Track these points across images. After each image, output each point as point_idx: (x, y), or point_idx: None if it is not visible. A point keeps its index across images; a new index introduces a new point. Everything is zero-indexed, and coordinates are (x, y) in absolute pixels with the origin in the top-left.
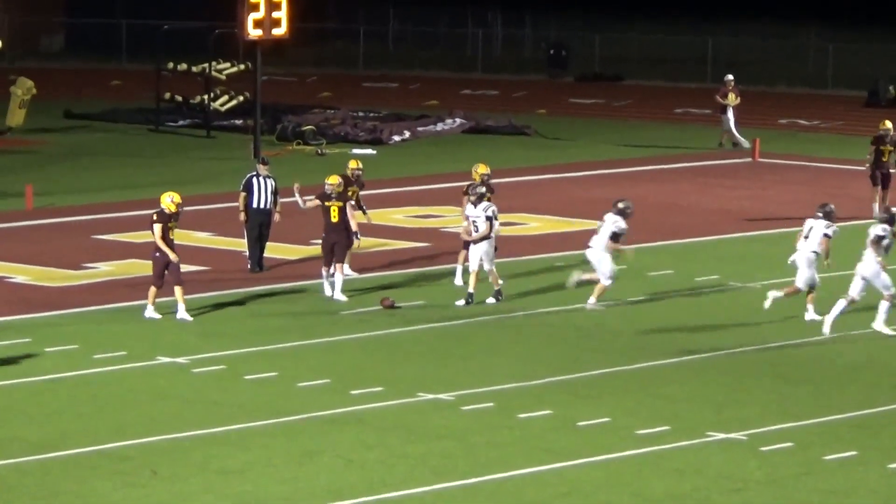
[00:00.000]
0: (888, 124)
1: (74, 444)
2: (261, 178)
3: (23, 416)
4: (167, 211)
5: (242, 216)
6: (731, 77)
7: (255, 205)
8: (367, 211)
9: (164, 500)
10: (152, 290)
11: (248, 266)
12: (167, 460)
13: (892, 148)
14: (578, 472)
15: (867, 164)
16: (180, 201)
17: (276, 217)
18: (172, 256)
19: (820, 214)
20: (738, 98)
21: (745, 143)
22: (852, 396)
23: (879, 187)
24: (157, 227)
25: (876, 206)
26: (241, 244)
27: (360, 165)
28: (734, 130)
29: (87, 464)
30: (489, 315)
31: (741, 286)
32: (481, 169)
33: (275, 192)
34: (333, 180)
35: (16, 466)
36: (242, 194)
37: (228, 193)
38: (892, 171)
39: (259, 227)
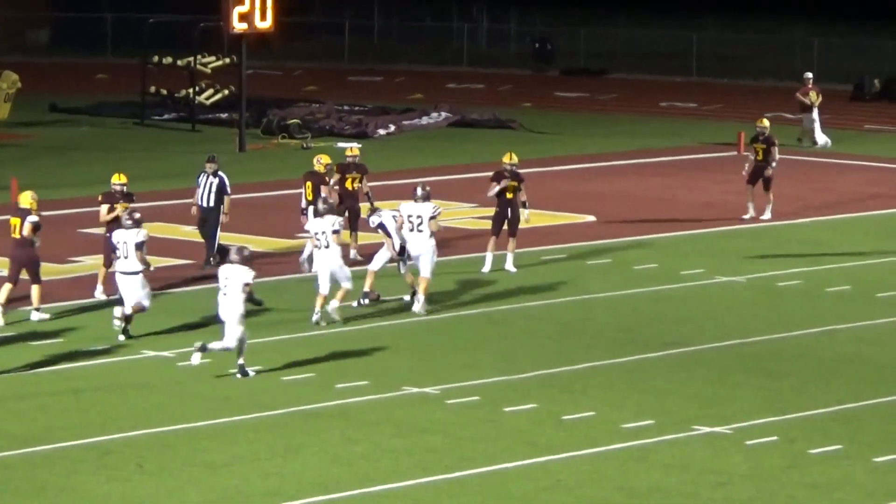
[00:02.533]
0: (765, 122)
1: (60, 437)
2: (207, 176)
3: (7, 410)
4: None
5: (194, 210)
6: (810, 75)
7: (198, 202)
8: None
9: (150, 493)
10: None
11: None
12: (153, 454)
13: (765, 146)
14: (563, 465)
15: (747, 165)
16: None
17: (223, 218)
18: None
19: None
20: (820, 96)
21: (827, 143)
22: (837, 390)
23: (752, 186)
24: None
25: (751, 206)
26: (227, 238)
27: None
28: (818, 130)
29: (73, 458)
30: (474, 309)
31: (727, 280)
32: (507, 158)
33: (221, 191)
34: (326, 159)
35: (1, 461)
36: (197, 190)
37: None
38: (768, 171)
39: (202, 223)
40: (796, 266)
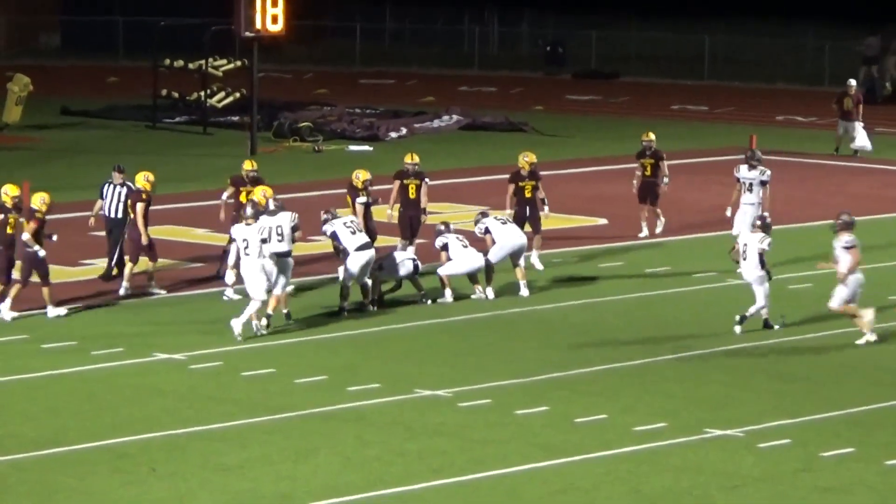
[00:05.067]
0: (651, 136)
1: (72, 440)
2: (114, 186)
3: (21, 413)
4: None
5: (92, 221)
6: (853, 82)
7: (104, 212)
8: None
9: (163, 496)
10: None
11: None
12: (165, 457)
13: (652, 161)
14: (576, 468)
15: (635, 181)
16: (17, 193)
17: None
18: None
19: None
20: (853, 103)
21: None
22: (850, 393)
23: (648, 203)
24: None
25: (644, 226)
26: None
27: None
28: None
29: (86, 460)
30: (486, 312)
31: (739, 283)
32: (529, 157)
33: (127, 201)
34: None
35: (14, 463)
36: (98, 201)
37: (224, 190)
38: (659, 185)
39: (108, 234)
40: (808, 269)
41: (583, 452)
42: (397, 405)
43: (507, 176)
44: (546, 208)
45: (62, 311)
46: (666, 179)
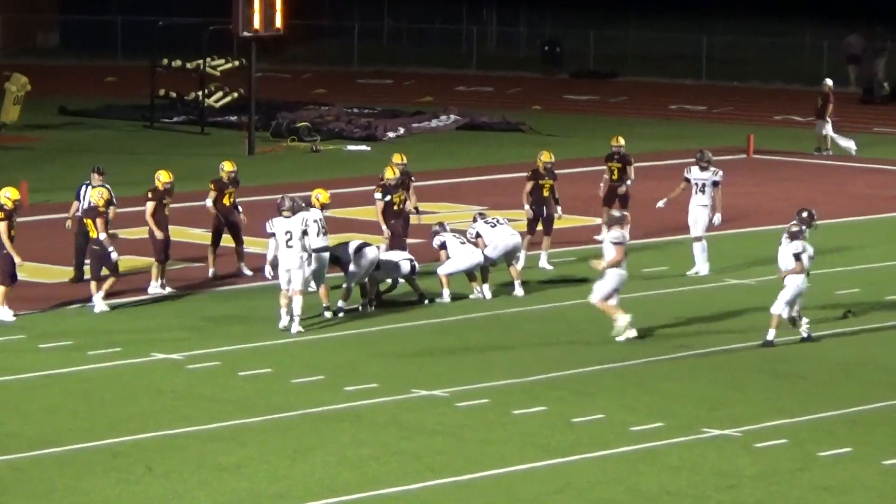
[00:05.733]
0: (621, 140)
1: (69, 440)
2: (91, 188)
3: (18, 412)
4: (6, 207)
5: (69, 223)
6: (829, 81)
7: (79, 214)
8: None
9: (159, 496)
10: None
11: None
12: (162, 457)
13: (620, 165)
14: (573, 468)
15: (602, 185)
16: (18, 197)
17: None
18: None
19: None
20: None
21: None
22: (847, 393)
23: (607, 207)
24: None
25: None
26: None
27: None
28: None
29: (83, 460)
30: (484, 311)
31: (736, 283)
32: (544, 157)
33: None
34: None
35: (11, 463)
36: (75, 202)
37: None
38: (621, 190)
39: (83, 235)
40: None
41: (580, 452)
42: (394, 405)
43: (526, 174)
44: (559, 209)
45: (105, 307)
46: (629, 182)
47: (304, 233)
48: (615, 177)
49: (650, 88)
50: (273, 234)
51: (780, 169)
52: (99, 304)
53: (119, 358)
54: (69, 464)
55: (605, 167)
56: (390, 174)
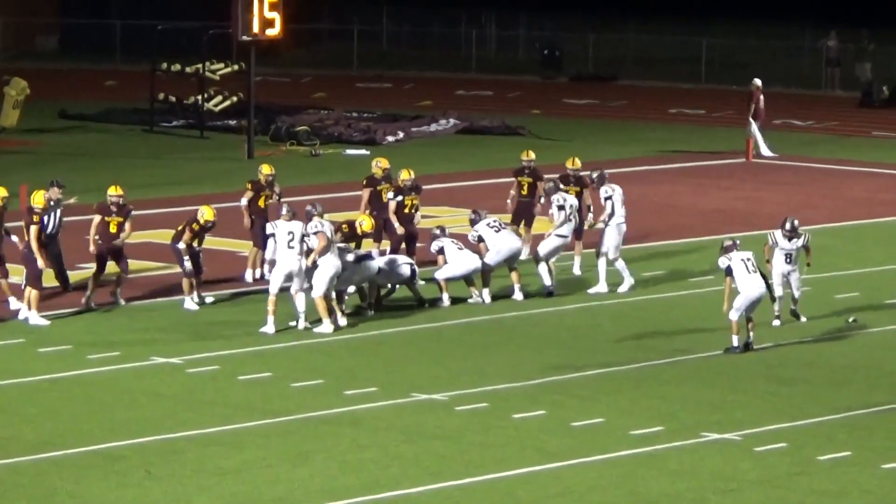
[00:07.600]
0: (532, 155)
1: (69, 444)
2: (51, 203)
3: (17, 416)
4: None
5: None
6: (757, 81)
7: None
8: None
9: (159, 500)
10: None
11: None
12: (161, 460)
13: (531, 180)
14: (573, 472)
15: (509, 201)
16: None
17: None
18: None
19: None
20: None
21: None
22: (846, 397)
23: (523, 224)
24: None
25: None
26: (234, 244)
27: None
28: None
29: (82, 464)
30: (483, 315)
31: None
32: (569, 163)
33: (62, 218)
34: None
35: (11, 466)
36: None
37: (222, 194)
38: (535, 206)
39: (47, 248)
40: (804, 273)
41: (580, 456)
42: (394, 409)
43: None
44: (591, 216)
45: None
46: (542, 200)
47: (304, 236)
48: (525, 192)
49: (649, 92)
50: (272, 235)
51: (779, 173)
52: (28, 314)
53: (119, 362)
54: (69, 467)
55: (513, 181)
56: (406, 175)
